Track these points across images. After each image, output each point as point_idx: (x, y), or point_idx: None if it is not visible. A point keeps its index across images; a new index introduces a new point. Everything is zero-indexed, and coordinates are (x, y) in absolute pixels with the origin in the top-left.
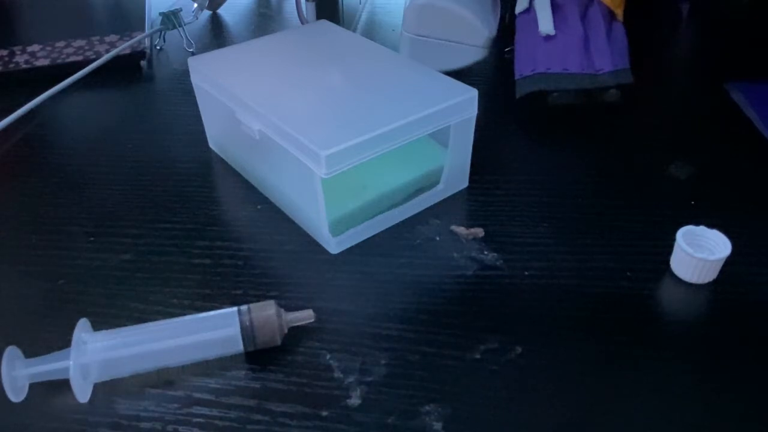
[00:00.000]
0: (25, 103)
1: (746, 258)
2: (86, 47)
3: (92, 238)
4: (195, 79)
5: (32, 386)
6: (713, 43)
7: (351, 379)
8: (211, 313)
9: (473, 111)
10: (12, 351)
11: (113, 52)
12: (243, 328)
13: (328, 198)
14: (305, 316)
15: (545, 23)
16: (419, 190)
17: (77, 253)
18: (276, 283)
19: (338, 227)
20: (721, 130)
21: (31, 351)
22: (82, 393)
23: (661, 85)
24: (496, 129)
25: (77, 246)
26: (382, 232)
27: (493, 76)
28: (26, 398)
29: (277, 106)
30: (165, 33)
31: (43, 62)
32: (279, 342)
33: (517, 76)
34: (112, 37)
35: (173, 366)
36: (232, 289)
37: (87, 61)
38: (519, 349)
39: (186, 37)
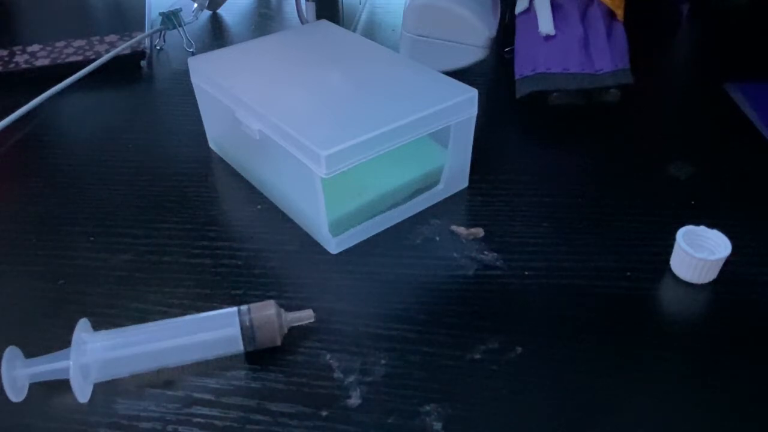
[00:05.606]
0: (25, 103)
1: (746, 258)
2: (86, 47)
3: (92, 238)
4: (195, 79)
5: (32, 386)
6: (713, 43)
7: (351, 379)
8: (211, 313)
9: (473, 111)
10: (12, 351)
11: (113, 52)
12: (243, 328)
13: (328, 198)
14: (305, 316)
15: (545, 23)
16: (419, 190)
17: (77, 253)
18: (276, 283)
19: (338, 227)
20: (721, 130)
21: (31, 351)
22: (82, 393)
23: (661, 85)
24: (496, 129)
25: (77, 246)
26: (382, 232)
27: (493, 76)
28: (26, 398)
29: (277, 106)
30: (165, 33)
31: (43, 62)
32: (279, 342)
33: (517, 76)
34: (112, 37)
35: (173, 366)
36: (232, 289)
37: (87, 61)
38: (519, 349)
39: (186, 37)
